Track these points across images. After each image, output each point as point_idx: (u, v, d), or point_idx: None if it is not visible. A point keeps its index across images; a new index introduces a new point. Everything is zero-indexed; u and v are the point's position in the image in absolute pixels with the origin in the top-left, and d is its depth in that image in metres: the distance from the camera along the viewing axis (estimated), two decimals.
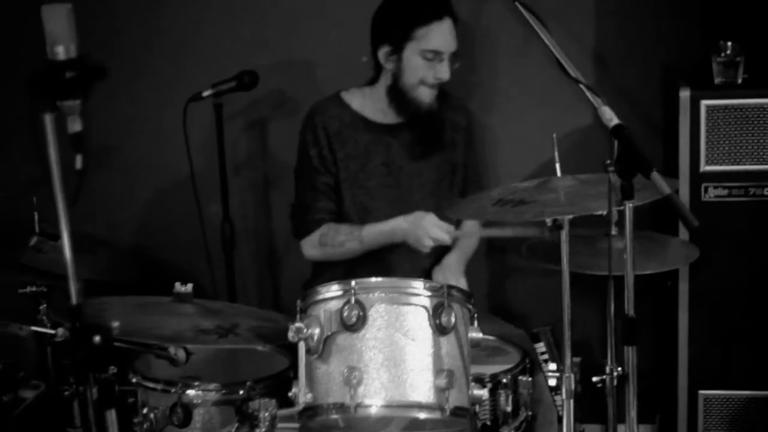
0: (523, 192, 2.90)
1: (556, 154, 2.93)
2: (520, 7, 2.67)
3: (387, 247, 3.61)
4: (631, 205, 2.42)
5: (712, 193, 3.56)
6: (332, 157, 3.66)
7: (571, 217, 2.74)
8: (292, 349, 2.77)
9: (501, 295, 4.27)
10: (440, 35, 3.54)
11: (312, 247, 3.70)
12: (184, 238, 4.13)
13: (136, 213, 4.34)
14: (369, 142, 3.68)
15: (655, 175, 2.33)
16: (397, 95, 3.60)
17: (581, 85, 2.51)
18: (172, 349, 2.82)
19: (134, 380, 3.10)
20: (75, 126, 2.18)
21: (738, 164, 3.54)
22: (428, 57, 3.53)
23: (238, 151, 4.15)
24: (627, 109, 4.04)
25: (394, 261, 3.65)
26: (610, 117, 2.44)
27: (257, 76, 3.80)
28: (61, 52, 2.14)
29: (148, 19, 4.22)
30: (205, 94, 3.76)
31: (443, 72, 3.55)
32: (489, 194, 3.00)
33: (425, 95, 3.59)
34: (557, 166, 2.93)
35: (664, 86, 4.00)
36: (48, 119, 2.10)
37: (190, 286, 2.96)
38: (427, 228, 3.43)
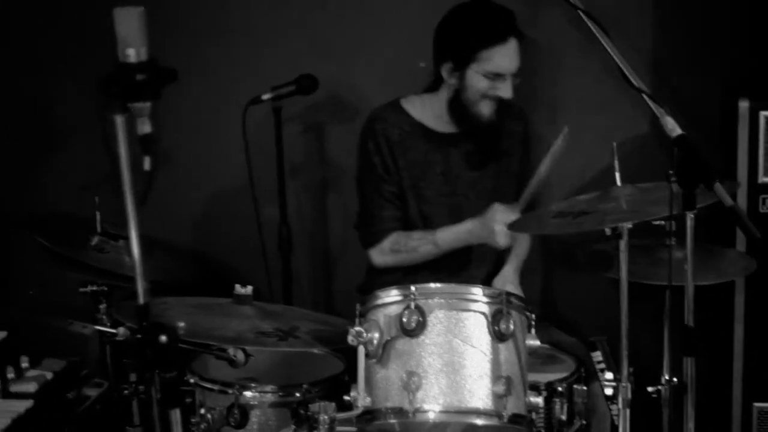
0: (584, 203, 2.91)
1: (616, 162, 2.93)
2: (584, 16, 2.67)
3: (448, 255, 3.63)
4: (692, 215, 2.41)
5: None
6: (395, 165, 3.68)
7: (630, 225, 2.74)
8: (348, 352, 2.80)
9: (555, 302, 4.27)
10: (503, 57, 3.54)
11: (382, 254, 3.73)
12: (241, 240, 4.15)
13: (194, 214, 4.36)
14: (428, 150, 3.70)
15: (718, 187, 2.33)
16: (458, 109, 3.62)
17: (644, 95, 2.50)
18: (231, 351, 2.86)
19: (192, 381, 3.13)
20: (145, 128, 2.20)
21: None
22: (490, 77, 3.54)
23: (296, 154, 4.17)
24: (684, 118, 3.96)
25: (451, 268, 3.67)
26: (673, 127, 2.45)
27: (316, 80, 3.82)
28: (132, 54, 2.17)
29: (209, 22, 4.25)
30: (265, 97, 3.78)
31: (505, 91, 3.56)
32: (549, 208, 3.01)
33: (486, 109, 3.60)
34: (617, 174, 2.92)
35: (722, 96, 3.98)
36: (119, 121, 2.13)
37: (250, 288, 2.99)
38: (495, 219, 3.45)
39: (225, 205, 4.31)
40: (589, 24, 2.65)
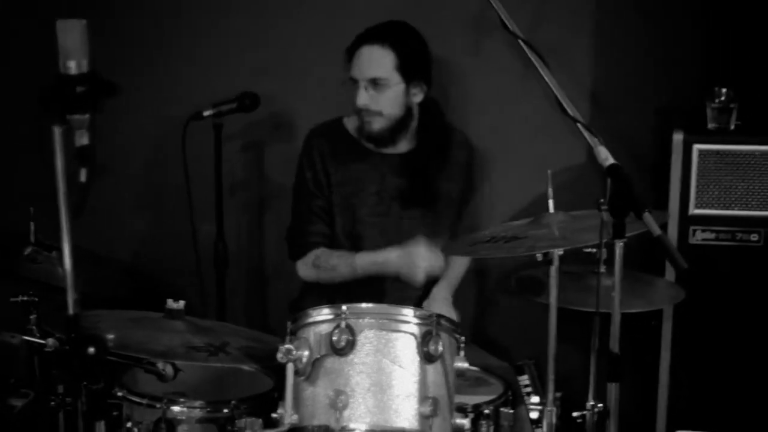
0: (517, 229, 2.95)
1: (550, 190, 2.98)
2: (523, 45, 2.71)
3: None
4: (621, 243, 2.45)
5: (699, 236, 3.61)
6: (327, 181, 3.71)
7: (561, 252, 2.78)
8: (279, 369, 2.80)
9: (486, 326, 4.31)
10: (357, 64, 3.61)
11: (306, 268, 3.76)
12: (177, 255, 4.16)
13: (132, 228, 4.36)
14: (363, 169, 3.73)
15: (647, 216, 2.37)
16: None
17: (578, 124, 2.55)
18: (160, 365, 2.85)
19: (120, 394, 3.12)
20: (82, 140, 2.21)
21: (726, 209, 3.60)
22: (353, 84, 3.63)
23: (235, 171, 4.17)
24: (619, 148, 4.02)
25: (386, 288, 3.70)
26: (606, 156, 2.49)
27: (258, 98, 3.84)
28: (73, 66, 2.18)
29: (152, 36, 4.26)
30: (206, 113, 3.79)
31: (358, 98, 3.62)
32: (482, 233, 3.05)
33: (370, 123, 3.65)
34: (550, 202, 2.97)
35: (657, 128, 4.05)
36: (57, 132, 2.13)
37: (182, 303, 3.00)
38: (418, 261, 3.51)
39: (162, 220, 4.32)
40: (528, 53, 2.68)
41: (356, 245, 3.72)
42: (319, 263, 3.72)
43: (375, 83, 3.59)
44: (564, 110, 2.61)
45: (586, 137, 2.55)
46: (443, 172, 3.77)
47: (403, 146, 3.74)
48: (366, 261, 3.65)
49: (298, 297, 3.87)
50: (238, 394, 3.13)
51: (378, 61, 3.60)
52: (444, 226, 3.78)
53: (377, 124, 3.65)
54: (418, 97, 3.68)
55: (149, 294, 3.91)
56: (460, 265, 3.88)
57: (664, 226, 3.46)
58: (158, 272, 4.28)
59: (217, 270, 3.89)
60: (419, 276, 3.54)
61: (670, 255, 2.35)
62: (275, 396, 3.10)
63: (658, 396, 3.69)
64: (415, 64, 3.65)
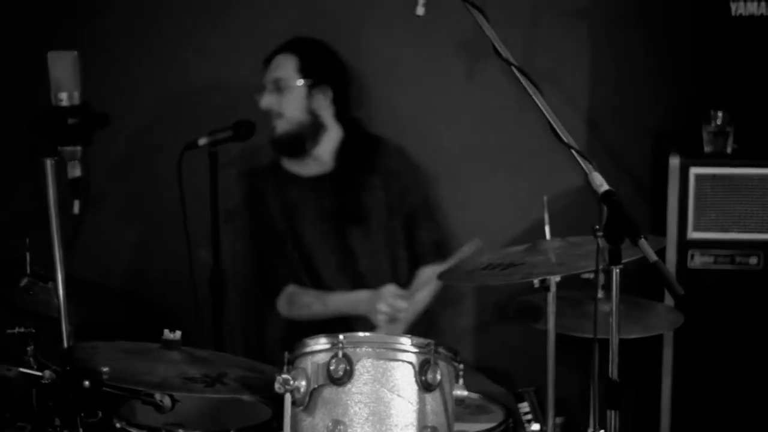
0: (513, 255, 2.93)
1: (546, 216, 2.97)
2: (515, 71, 2.69)
3: None
4: (618, 270, 2.43)
5: (698, 260, 3.60)
6: (269, 215, 3.87)
7: (558, 278, 2.77)
8: (277, 399, 2.78)
9: (486, 352, 4.28)
10: (267, 71, 3.81)
11: (282, 305, 3.90)
12: (174, 284, 4.13)
13: (127, 257, 4.35)
14: (298, 196, 3.85)
15: (643, 243, 2.35)
16: None
17: (572, 151, 2.53)
18: (158, 396, 2.83)
19: (119, 425, 3.09)
20: (75, 171, 2.21)
21: (724, 232, 3.59)
22: None
23: (230, 198, 4.15)
24: (616, 172, 4.09)
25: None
26: (600, 183, 2.47)
27: (254, 126, 3.83)
28: (65, 98, 2.18)
29: (144, 65, 4.26)
30: (201, 142, 3.78)
31: (261, 100, 3.79)
32: (479, 260, 3.03)
33: (275, 128, 3.80)
34: (547, 228, 2.96)
35: (653, 152, 4.04)
36: (49, 164, 2.13)
37: (178, 334, 2.98)
38: (380, 306, 3.60)
39: (159, 249, 4.30)
40: (521, 79, 2.68)
41: (310, 270, 3.85)
42: (293, 300, 3.86)
43: (278, 85, 3.75)
44: (558, 137, 2.59)
45: (581, 163, 2.53)
46: (374, 184, 3.83)
47: (327, 166, 3.84)
48: (338, 300, 3.77)
49: (285, 329, 4.01)
50: (236, 424, 3.10)
51: (282, 65, 3.79)
52: (395, 241, 3.86)
53: (280, 128, 3.78)
54: (322, 102, 3.78)
55: (146, 323, 3.90)
56: (420, 302, 3.86)
57: (661, 252, 3.45)
58: (155, 300, 4.26)
59: (214, 297, 3.86)
60: (380, 320, 3.61)
61: (667, 281, 2.33)
62: (274, 426, 3.07)
63: (661, 422, 3.66)
64: (318, 68, 3.79)
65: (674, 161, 3.56)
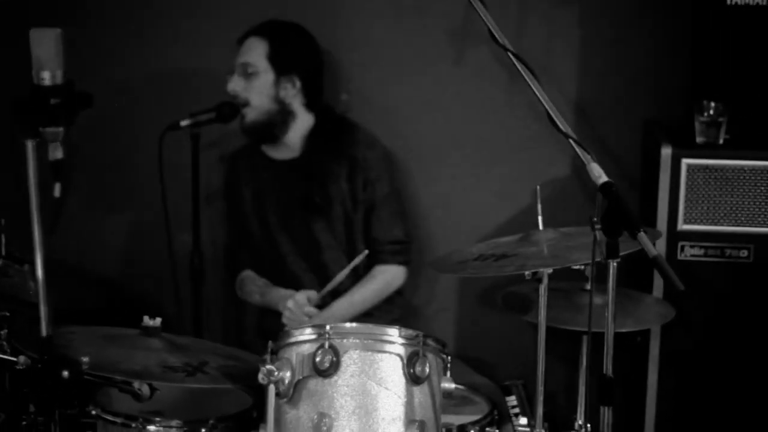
0: (505, 246, 2.87)
1: (539, 206, 2.90)
2: (512, 57, 2.63)
3: None
4: (615, 263, 2.38)
5: (688, 252, 3.55)
6: (240, 196, 3.86)
7: (551, 270, 2.71)
8: (258, 387, 2.72)
9: (470, 342, 4.21)
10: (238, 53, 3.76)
11: (237, 289, 3.95)
12: (154, 267, 4.06)
13: (106, 240, 4.26)
14: (267, 178, 3.83)
15: (642, 236, 2.30)
16: None
17: (570, 140, 2.47)
18: (136, 384, 2.76)
19: (94, 413, 3.01)
20: (57, 153, 2.13)
21: (716, 225, 3.54)
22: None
23: (212, 181, 4.07)
24: (605, 162, 3.97)
25: None
26: (599, 174, 2.41)
27: (237, 108, 3.74)
28: (47, 77, 2.10)
29: (129, 45, 4.17)
30: (183, 123, 3.69)
31: (228, 83, 3.75)
32: (469, 249, 2.96)
33: (244, 116, 3.76)
34: (539, 218, 2.89)
35: (644, 141, 3.99)
36: (30, 146, 2.04)
37: (158, 321, 2.90)
38: (289, 305, 3.62)
39: (139, 233, 4.21)
40: (517, 66, 2.61)
41: (276, 253, 3.83)
42: (242, 286, 3.90)
43: (246, 71, 3.70)
44: (555, 125, 2.53)
45: (578, 153, 2.46)
46: (338, 173, 3.77)
47: (296, 152, 3.81)
48: (271, 295, 3.78)
49: (259, 317, 4.01)
50: (216, 412, 3.02)
51: (251, 49, 3.73)
52: (356, 234, 3.81)
53: (248, 117, 3.74)
54: (290, 91, 3.73)
55: (124, 307, 3.83)
56: (342, 306, 3.79)
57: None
58: (134, 285, 4.18)
59: (194, 282, 3.78)
60: (284, 318, 3.63)
61: (667, 276, 2.27)
62: (254, 415, 3.01)
63: (646, 415, 3.62)
64: (287, 57, 3.73)
65: (666, 151, 3.50)
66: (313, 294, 3.63)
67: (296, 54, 3.77)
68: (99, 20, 4.18)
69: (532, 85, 2.59)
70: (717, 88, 3.66)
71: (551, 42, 4.05)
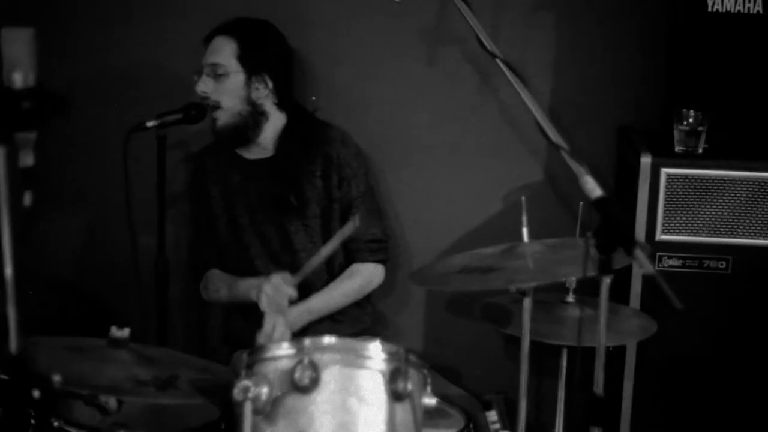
0: (490, 258, 2.77)
1: (524, 218, 2.82)
2: (501, 64, 2.54)
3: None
4: (608, 280, 2.29)
5: (666, 263, 3.48)
6: (207, 195, 3.76)
7: (535, 284, 2.63)
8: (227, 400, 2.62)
9: (442, 351, 4.12)
10: (205, 53, 3.66)
11: (203, 292, 3.82)
12: (117, 272, 3.94)
13: (66, 244, 4.13)
14: (238, 178, 3.72)
15: (639, 253, 2.22)
16: None
17: (562, 152, 2.39)
18: (103, 398, 2.65)
19: (56, 424, 2.88)
20: (27, 160, 2.01)
21: (694, 235, 3.48)
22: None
23: (176, 182, 3.95)
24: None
25: None
26: (593, 188, 2.32)
27: (205, 109, 3.62)
28: (18, 79, 1.97)
29: (90, 43, 4.05)
30: (149, 124, 3.56)
31: (197, 85, 3.64)
32: (451, 261, 2.87)
33: (214, 120, 3.65)
34: (524, 230, 2.80)
35: (618, 149, 3.93)
36: (1, 152, 1.92)
37: (126, 331, 2.76)
38: (265, 289, 3.46)
39: (101, 237, 4.08)
40: (507, 73, 2.52)
41: (245, 255, 3.73)
42: (207, 284, 3.77)
43: (216, 72, 3.60)
44: (545, 135, 2.45)
45: (572, 166, 2.38)
46: (312, 172, 3.68)
47: (269, 152, 3.72)
48: (240, 285, 3.64)
49: (223, 322, 3.92)
50: (181, 424, 2.93)
51: (221, 49, 3.63)
52: (331, 228, 3.69)
53: (220, 120, 3.64)
54: (262, 92, 3.64)
55: (84, 313, 3.70)
56: (320, 300, 3.70)
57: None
58: (96, 291, 4.04)
59: (158, 289, 3.65)
60: (262, 304, 3.46)
61: (666, 295, 2.19)
62: (222, 427, 2.90)
63: (620, 426, 3.54)
64: (258, 57, 3.64)
65: (645, 160, 3.43)
66: (288, 276, 3.48)
67: (266, 53, 3.67)
68: (58, 18, 4.04)
69: (522, 94, 2.51)
70: (694, 95, 3.61)
71: (525, 46, 3.97)
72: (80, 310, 3.74)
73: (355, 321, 3.76)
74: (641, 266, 2.23)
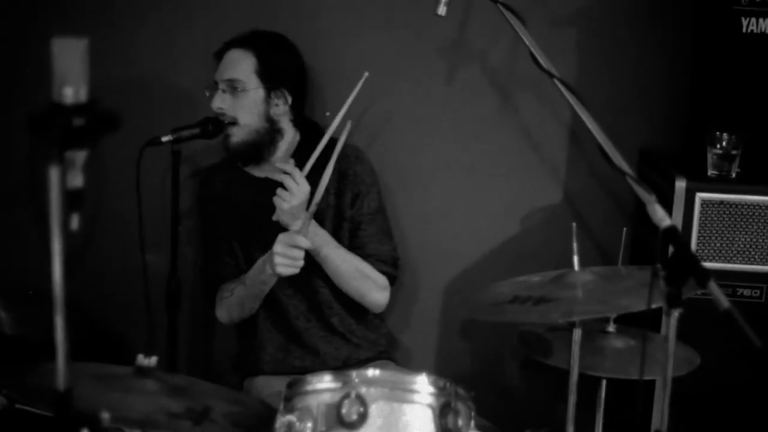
0: (540, 288, 2.65)
1: (575, 245, 2.70)
2: (558, 84, 2.44)
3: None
4: (677, 314, 2.18)
5: (699, 290, 3.36)
6: (216, 214, 3.64)
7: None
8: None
9: (461, 377, 4.00)
10: (219, 67, 3.55)
11: (219, 310, 3.64)
12: (126, 293, 3.80)
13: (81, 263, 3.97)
14: (249, 197, 3.58)
15: (713, 286, 2.11)
16: None
17: (628, 178, 2.27)
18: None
19: None
20: (75, 181, 1.87)
21: (728, 262, 3.36)
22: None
23: (185, 198, 3.80)
24: (598, 190, 3.89)
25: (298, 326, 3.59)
26: (662, 217, 2.21)
27: (222, 124, 3.48)
28: (69, 94, 1.83)
29: (101, 56, 3.88)
30: (164, 139, 3.42)
31: (213, 101, 3.52)
32: (498, 289, 2.73)
33: (229, 136, 3.53)
34: (575, 258, 2.68)
35: (640, 171, 3.82)
36: (54, 173, 1.78)
37: (154, 360, 2.61)
38: (275, 248, 3.28)
39: (111, 254, 3.92)
40: (566, 94, 2.41)
41: None
42: (222, 294, 3.57)
43: (233, 87, 3.48)
44: (610, 161, 2.33)
45: (638, 194, 2.27)
46: (329, 188, 3.48)
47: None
48: (252, 271, 3.47)
49: (239, 351, 3.74)
50: None
51: (238, 63, 3.51)
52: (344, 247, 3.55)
53: (235, 137, 3.51)
54: (281, 108, 3.53)
55: (95, 336, 3.53)
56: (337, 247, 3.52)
57: None
58: (106, 312, 3.87)
59: (169, 311, 3.50)
60: (278, 268, 3.27)
61: (742, 329, 2.08)
62: None
63: None
64: (277, 72, 3.52)
65: (680, 185, 3.32)
66: (283, 236, 3.30)
67: (286, 67, 3.56)
68: (69, 31, 3.87)
69: (582, 116, 2.40)
70: (722, 117, 3.51)
71: (547, 63, 3.86)
72: (87, 331, 3.56)
73: (373, 344, 3.64)
74: (716, 299, 2.11)
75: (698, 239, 3.33)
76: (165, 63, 3.95)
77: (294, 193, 3.26)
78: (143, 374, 2.60)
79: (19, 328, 3.16)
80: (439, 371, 3.88)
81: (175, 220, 3.48)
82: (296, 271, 3.30)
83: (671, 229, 2.18)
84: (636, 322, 3.19)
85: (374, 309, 3.61)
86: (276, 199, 3.29)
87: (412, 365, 3.86)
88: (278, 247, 3.27)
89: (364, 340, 3.61)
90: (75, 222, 1.86)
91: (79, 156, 1.87)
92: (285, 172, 3.29)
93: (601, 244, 3.89)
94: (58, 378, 1.84)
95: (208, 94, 3.53)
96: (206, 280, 3.69)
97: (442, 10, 2.79)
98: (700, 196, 3.33)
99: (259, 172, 3.60)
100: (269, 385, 3.42)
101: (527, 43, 2.56)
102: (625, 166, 2.30)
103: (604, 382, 3.01)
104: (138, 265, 3.50)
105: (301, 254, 3.28)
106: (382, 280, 3.54)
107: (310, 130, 3.60)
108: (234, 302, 3.54)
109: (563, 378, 2.75)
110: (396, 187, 3.93)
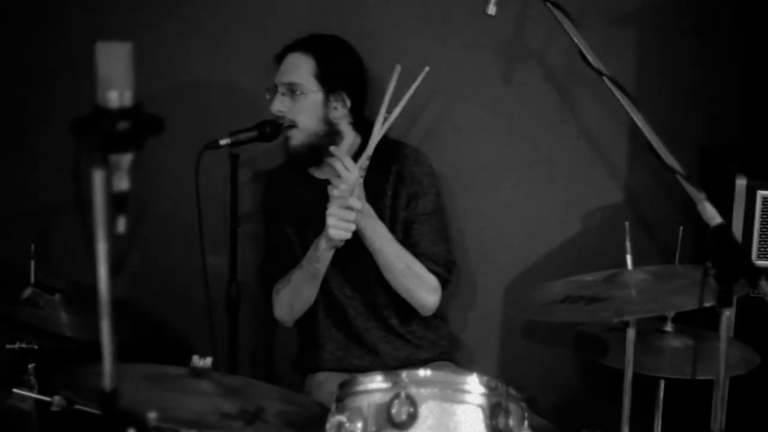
0: (593, 287, 2.63)
1: (628, 244, 2.68)
2: (609, 83, 2.43)
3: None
4: (728, 312, 2.16)
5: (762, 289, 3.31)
6: (280, 215, 3.65)
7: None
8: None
9: (519, 378, 3.98)
10: (279, 71, 3.58)
11: (278, 308, 3.63)
12: (185, 296, 3.84)
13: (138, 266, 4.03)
14: (311, 199, 3.54)
15: (764, 284, 2.08)
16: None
17: (678, 176, 2.25)
18: None
19: None
20: (122, 184, 1.89)
21: None
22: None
23: (244, 201, 3.83)
24: (658, 188, 3.84)
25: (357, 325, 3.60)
26: (713, 215, 2.19)
27: (279, 127, 3.50)
28: (114, 98, 1.85)
29: (156, 59, 3.94)
30: (223, 142, 3.45)
31: (273, 104, 3.54)
32: (551, 289, 2.72)
33: (289, 139, 3.56)
34: (628, 257, 2.66)
35: (701, 168, 3.78)
36: (98, 176, 1.81)
37: (209, 360, 2.64)
38: (327, 227, 3.30)
39: (169, 257, 3.97)
40: (616, 93, 2.40)
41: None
42: (279, 287, 3.58)
43: (292, 90, 3.50)
44: (659, 158, 2.31)
45: (689, 192, 2.24)
46: (387, 190, 3.55)
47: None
48: (308, 253, 3.47)
49: (299, 350, 3.75)
50: None
51: (297, 67, 3.53)
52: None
53: (295, 140, 3.53)
54: (340, 111, 3.54)
55: (152, 337, 3.58)
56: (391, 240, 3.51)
57: None
58: (162, 312, 3.90)
59: (230, 315, 3.53)
60: (332, 232, 3.29)
61: None
62: None
63: None
64: (335, 75, 3.53)
65: (741, 182, 3.28)
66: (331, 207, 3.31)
67: (344, 71, 3.57)
68: (125, 35, 3.92)
69: (632, 113, 2.38)
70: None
71: (605, 62, 3.80)
72: (147, 334, 3.60)
73: (433, 345, 3.63)
74: (767, 298, 2.08)
75: (760, 237, 3.29)
76: (224, 67, 3.97)
77: (343, 178, 3.28)
78: (198, 375, 2.63)
79: (80, 331, 3.21)
80: (501, 372, 3.92)
81: (234, 223, 3.52)
82: (348, 235, 3.31)
83: (721, 227, 2.16)
84: (698, 322, 3.17)
85: (423, 311, 3.57)
86: (329, 187, 3.32)
87: (473, 366, 3.84)
88: (332, 208, 3.29)
89: (424, 340, 3.61)
90: (122, 225, 1.88)
91: (125, 159, 1.89)
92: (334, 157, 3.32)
93: (661, 243, 3.85)
94: (105, 378, 1.87)
95: (268, 97, 3.55)
96: (265, 280, 3.70)
97: (491, 9, 2.77)
98: (762, 193, 3.29)
99: (320, 173, 3.61)
100: (330, 382, 3.43)
101: (576, 41, 2.54)
102: (675, 164, 2.28)
103: (662, 383, 2.98)
104: (199, 269, 3.51)
105: (353, 216, 3.29)
106: (433, 280, 3.52)
107: (369, 133, 3.60)
108: (290, 289, 3.54)
109: (620, 379, 2.73)
110: (455, 187, 3.93)
